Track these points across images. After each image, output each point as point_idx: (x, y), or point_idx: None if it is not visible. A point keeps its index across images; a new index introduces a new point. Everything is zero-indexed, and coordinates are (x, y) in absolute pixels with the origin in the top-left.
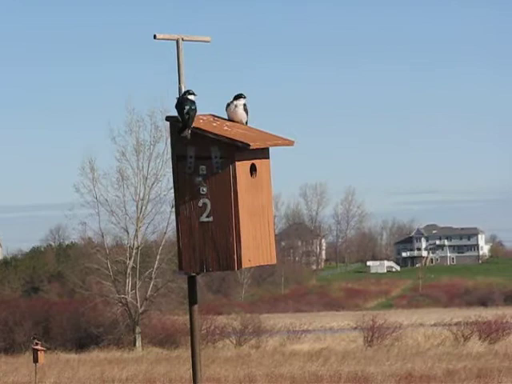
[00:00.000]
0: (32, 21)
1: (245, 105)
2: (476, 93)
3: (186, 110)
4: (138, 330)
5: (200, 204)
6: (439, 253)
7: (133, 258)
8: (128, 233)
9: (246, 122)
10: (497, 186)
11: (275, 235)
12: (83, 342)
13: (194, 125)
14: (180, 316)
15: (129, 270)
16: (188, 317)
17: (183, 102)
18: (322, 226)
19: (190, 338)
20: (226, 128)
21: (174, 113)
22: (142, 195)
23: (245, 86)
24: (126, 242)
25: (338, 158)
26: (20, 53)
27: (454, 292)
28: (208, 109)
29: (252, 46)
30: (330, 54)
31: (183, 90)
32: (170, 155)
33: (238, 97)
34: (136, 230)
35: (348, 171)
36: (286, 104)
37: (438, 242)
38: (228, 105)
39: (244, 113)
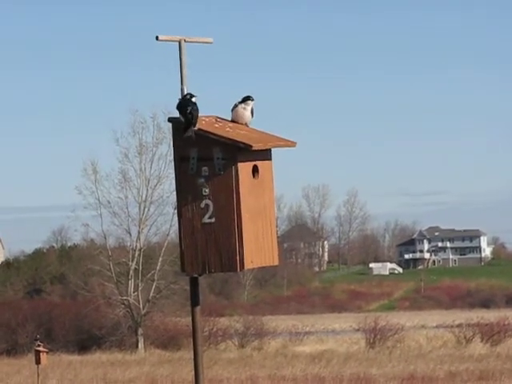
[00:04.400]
0: (34, 22)
1: (252, 107)
2: (477, 95)
3: (188, 110)
4: (140, 331)
5: (202, 205)
6: (441, 255)
7: (135, 260)
8: (130, 234)
9: (247, 124)
10: (499, 188)
11: (277, 237)
12: (85, 343)
13: (196, 126)
14: (182, 318)
15: (131, 272)
16: (190, 318)
17: (185, 103)
18: (325, 227)
19: (192, 339)
20: (228, 129)
21: (177, 114)
22: (144, 197)
23: (247, 87)
24: (129, 243)
25: (340, 160)
26: (23, 55)
27: (456, 294)
28: (210, 110)
29: (254, 47)
30: (331, 56)
31: (185, 92)
32: (172, 157)
33: (246, 99)
34: (138, 232)
35: (350, 173)
36: (289, 105)
37: (440, 244)
38: (235, 105)
39: (250, 115)
